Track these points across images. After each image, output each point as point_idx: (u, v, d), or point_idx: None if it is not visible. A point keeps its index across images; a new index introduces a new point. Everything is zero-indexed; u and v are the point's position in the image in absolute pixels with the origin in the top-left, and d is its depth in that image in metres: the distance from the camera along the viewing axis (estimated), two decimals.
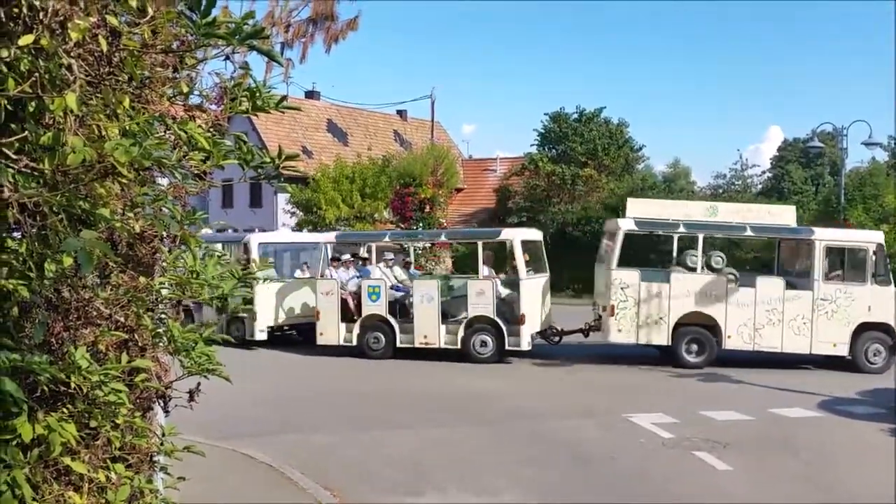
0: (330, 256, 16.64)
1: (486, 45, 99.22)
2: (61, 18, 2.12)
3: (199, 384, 3.19)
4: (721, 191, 34.51)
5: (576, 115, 35.68)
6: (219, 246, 11.93)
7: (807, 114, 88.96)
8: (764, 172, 37.61)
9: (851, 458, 8.75)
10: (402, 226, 22.05)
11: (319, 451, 8.85)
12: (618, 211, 30.77)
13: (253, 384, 11.70)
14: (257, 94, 2.78)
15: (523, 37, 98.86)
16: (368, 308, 15.03)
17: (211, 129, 2.84)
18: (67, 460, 2.40)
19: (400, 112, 48.24)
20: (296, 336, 17.60)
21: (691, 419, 10.36)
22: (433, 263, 21.68)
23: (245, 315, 15.49)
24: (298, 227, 38.18)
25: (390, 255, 16.73)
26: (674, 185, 33.14)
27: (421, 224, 21.60)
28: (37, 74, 2.12)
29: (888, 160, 32.23)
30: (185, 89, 2.87)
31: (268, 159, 2.82)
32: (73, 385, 2.39)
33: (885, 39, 79.21)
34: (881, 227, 23.67)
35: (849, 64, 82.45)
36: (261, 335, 16.06)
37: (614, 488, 7.68)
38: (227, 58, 2.79)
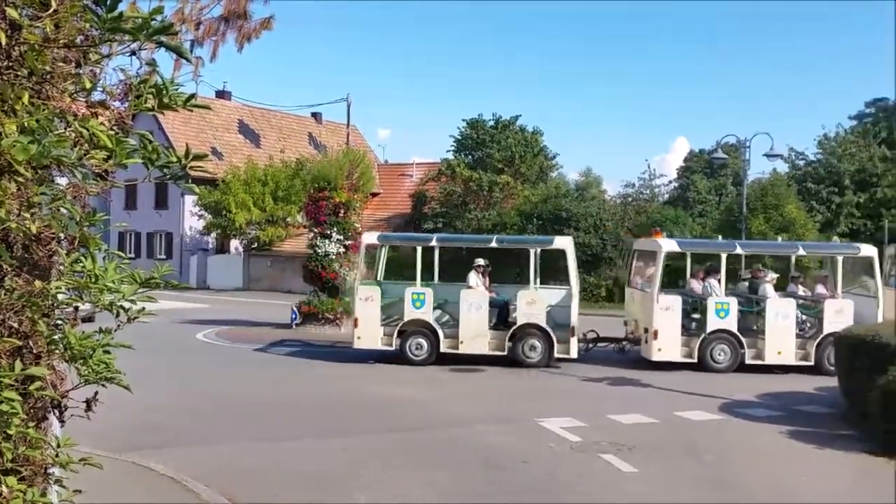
0: None
1: (401, 50, 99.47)
2: None
3: (96, 393, 3.06)
4: (630, 199, 35.49)
5: (492, 122, 36.10)
6: None
7: (711, 126, 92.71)
8: (671, 182, 38.89)
9: (751, 459, 9.10)
10: (316, 230, 21.73)
11: (224, 463, 8.62)
12: (532, 217, 31.43)
13: (150, 391, 11.35)
14: (164, 92, 2.69)
15: (439, 42, 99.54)
16: None
17: (114, 127, 2.74)
18: None
19: (315, 115, 47.78)
20: None
21: (599, 423, 10.60)
22: (347, 269, 21.44)
23: None
24: (206, 229, 37.37)
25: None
26: (586, 193, 33.88)
27: (335, 228, 21.33)
28: None
29: (789, 171, 33.75)
30: (88, 85, 2.76)
31: (174, 159, 2.74)
32: None
33: (787, 53, 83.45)
34: (781, 236, 24.84)
35: (752, 77, 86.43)
36: None
37: (524, 492, 7.78)
38: (134, 54, 2.70)
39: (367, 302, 15.44)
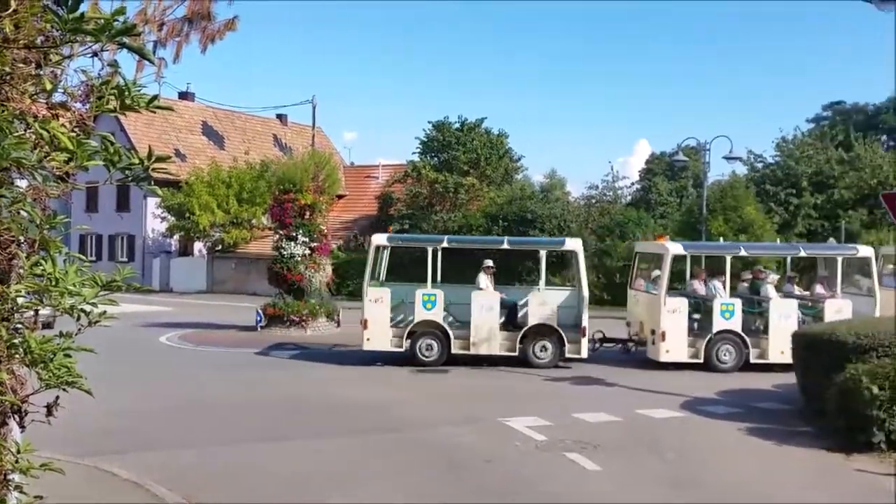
0: None
1: (367, 52, 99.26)
2: None
3: (57, 397, 3.03)
4: (594, 201, 35.80)
5: (458, 125, 36.16)
6: None
7: (672, 129, 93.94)
8: (633, 184, 39.33)
9: (711, 456, 9.25)
10: (282, 232, 21.60)
11: (189, 467, 8.54)
12: (498, 219, 31.55)
13: (112, 396, 11.20)
14: (126, 93, 2.68)
15: (404, 44, 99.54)
16: None
17: (75, 129, 2.73)
18: None
19: (280, 116, 47.44)
20: None
21: (564, 421, 10.69)
22: (312, 271, 21.33)
23: None
24: (169, 232, 36.89)
25: None
26: (550, 195, 34.12)
27: (301, 230, 21.21)
28: None
29: (747, 173, 34.30)
30: (49, 86, 2.74)
31: (136, 161, 2.73)
32: None
33: (745, 56, 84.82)
34: (740, 237, 25.24)
35: (711, 81, 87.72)
36: None
37: (489, 491, 7.82)
38: (96, 55, 2.69)
39: (376, 303, 15.38)
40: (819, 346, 10.76)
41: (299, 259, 21.19)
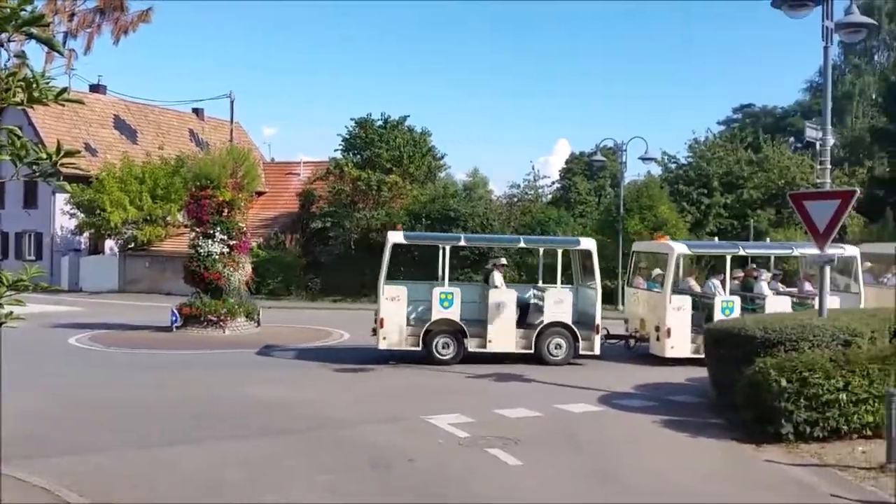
0: None
1: (287, 47, 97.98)
2: None
3: None
4: (516, 199, 36.26)
5: (381, 122, 36.02)
6: None
7: (591, 129, 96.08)
8: (554, 183, 39.98)
9: (628, 448, 9.49)
10: (199, 230, 21.08)
11: (100, 472, 8.25)
12: (421, 217, 31.63)
13: (19, 399, 10.76)
14: (34, 85, 2.58)
15: (324, 40, 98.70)
16: None
17: None
18: None
19: (196, 111, 46.33)
20: None
21: (486, 418, 10.79)
22: (231, 269, 20.90)
23: None
24: (79, 229, 35.63)
25: None
26: (473, 193, 34.39)
27: (219, 228, 20.77)
28: None
29: (662, 174, 35.33)
30: None
31: (44, 155, 2.63)
32: None
33: (661, 62, 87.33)
34: (655, 235, 25.99)
35: (628, 82, 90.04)
36: None
37: (413, 489, 7.84)
38: (2, 45, 2.58)
39: (393, 301, 15.25)
40: (729, 340, 11.14)
41: (217, 257, 20.76)
